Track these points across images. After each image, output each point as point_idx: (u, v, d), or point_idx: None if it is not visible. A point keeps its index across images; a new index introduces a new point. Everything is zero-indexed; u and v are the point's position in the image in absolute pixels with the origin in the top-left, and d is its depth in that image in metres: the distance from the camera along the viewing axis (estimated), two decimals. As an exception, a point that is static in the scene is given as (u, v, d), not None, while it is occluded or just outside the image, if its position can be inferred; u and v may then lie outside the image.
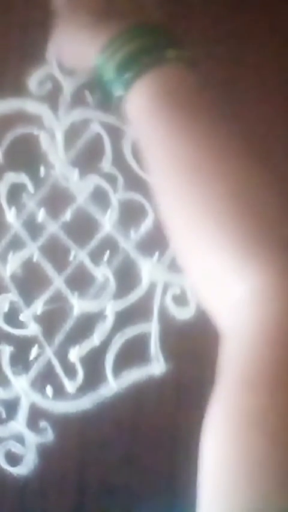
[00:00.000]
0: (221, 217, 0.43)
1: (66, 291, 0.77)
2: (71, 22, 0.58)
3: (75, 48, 0.58)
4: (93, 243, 0.77)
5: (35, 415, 0.76)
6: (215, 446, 0.44)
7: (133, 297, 0.76)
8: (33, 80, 0.78)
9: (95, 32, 0.54)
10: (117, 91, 0.53)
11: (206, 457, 0.45)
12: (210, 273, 0.45)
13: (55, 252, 0.77)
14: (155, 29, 0.53)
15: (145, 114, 0.50)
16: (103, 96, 0.59)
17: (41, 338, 0.76)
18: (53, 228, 0.77)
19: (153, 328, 0.76)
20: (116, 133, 0.77)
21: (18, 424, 0.76)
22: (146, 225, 0.77)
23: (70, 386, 0.76)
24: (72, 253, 0.77)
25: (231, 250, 0.42)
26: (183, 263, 0.52)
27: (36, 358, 0.76)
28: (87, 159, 0.78)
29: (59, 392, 0.76)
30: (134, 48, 0.51)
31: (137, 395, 0.76)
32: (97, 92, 0.57)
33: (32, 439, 0.76)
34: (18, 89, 0.77)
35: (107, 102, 0.57)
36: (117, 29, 0.53)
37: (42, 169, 0.77)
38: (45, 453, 0.76)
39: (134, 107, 0.51)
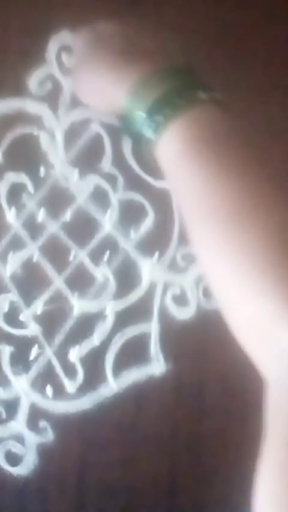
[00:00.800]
0: (265, 263, 0.41)
1: (66, 291, 0.77)
2: (94, 63, 0.56)
3: (100, 90, 0.56)
4: (93, 243, 0.77)
5: (35, 415, 0.76)
6: (269, 503, 0.43)
7: (133, 297, 0.76)
8: (33, 80, 0.78)
9: (121, 73, 0.53)
10: (148, 134, 0.51)
11: None
12: (254, 320, 0.43)
13: (55, 252, 0.77)
14: (183, 70, 0.52)
15: (179, 158, 0.48)
16: (132, 138, 0.56)
17: (41, 338, 0.76)
18: (53, 228, 0.77)
19: (153, 328, 0.76)
20: (116, 133, 0.77)
21: (18, 424, 0.76)
22: (146, 225, 0.77)
23: (70, 386, 0.76)
24: (72, 253, 0.77)
25: (278, 297, 0.40)
26: (224, 308, 0.48)
27: (36, 358, 0.76)
28: (87, 159, 0.78)
29: (59, 392, 0.76)
30: (165, 90, 0.49)
31: (137, 395, 0.76)
32: (125, 134, 0.55)
33: (32, 439, 0.76)
34: (18, 89, 0.77)
35: (136, 144, 0.55)
36: (144, 70, 0.51)
37: (42, 169, 0.77)
38: (45, 453, 0.76)
39: (166, 150, 0.49)
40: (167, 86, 0.50)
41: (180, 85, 0.50)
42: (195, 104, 0.49)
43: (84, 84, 0.59)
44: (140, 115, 0.51)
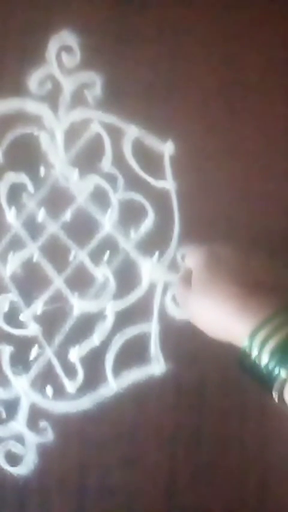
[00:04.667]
0: None
1: (66, 291, 0.77)
2: (214, 290, 0.56)
3: (220, 320, 0.55)
4: (93, 243, 0.77)
5: (35, 415, 0.76)
6: None
7: (133, 297, 0.76)
8: (33, 80, 0.78)
9: (243, 307, 0.53)
10: (277, 374, 0.51)
11: None
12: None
13: (55, 252, 0.77)
14: None
15: None
16: (253, 374, 0.53)
17: (41, 338, 0.76)
18: (53, 228, 0.77)
19: (153, 328, 0.76)
20: (116, 133, 0.77)
21: (18, 424, 0.76)
22: (146, 225, 0.77)
23: (70, 386, 0.76)
24: (72, 253, 0.77)
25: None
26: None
27: (36, 358, 0.76)
28: (87, 159, 0.78)
29: (59, 392, 0.76)
30: None
31: (137, 395, 0.76)
32: (244, 368, 0.54)
33: (32, 439, 0.76)
34: (18, 89, 0.78)
35: (261, 380, 0.52)
36: (266, 309, 0.52)
37: (42, 169, 0.77)
38: (45, 453, 0.76)
39: None
40: None
41: None
42: None
43: (203, 310, 0.58)
44: (265, 356, 0.51)
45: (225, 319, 0.55)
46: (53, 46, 0.76)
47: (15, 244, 0.76)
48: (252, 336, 0.52)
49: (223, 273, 0.57)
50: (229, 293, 0.55)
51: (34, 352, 0.76)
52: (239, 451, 0.77)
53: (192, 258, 0.63)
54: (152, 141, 0.75)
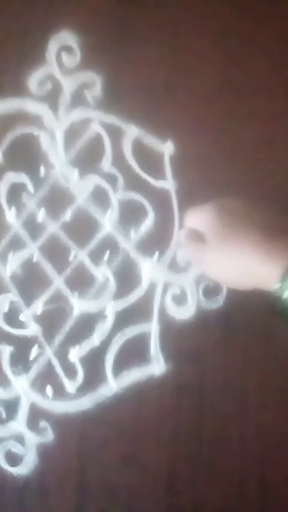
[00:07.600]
0: None
1: (66, 291, 0.77)
2: (237, 237, 0.55)
3: (243, 264, 0.55)
4: (93, 243, 0.77)
5: (35, 415, 0.76)
6: None
7: (133, 297, 0.76)
8: (33, 80, 0.78)
9: (269, 252, 0.53)
10: None
11: None
12: None
13: (55, 252, 0.77)
14: None
15: None
16: (286, 315, 0.54)
17: (41, 338, 0.76)
18: (53, 228, 0.77)
19: (153, 328, 0.76)
20: (116, 133, 0.77)
21: (18, 424, 0.76)
22: (146, 225, 0.77)
23: (70, 386, 0.76)
24: (72, 253, 0.77)
25: None
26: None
27: (36, 358, 0.76)
28: (87, 159, 0.78)
29: (59, 392, 0.76)
30: None
31: (137, 395, 0.76)
32: (277, 311, 0.54)
33: (32, 439, 0.76)
34: (18, 89, 0.78)
35: None
36: None
37: (42, 169, 0.77)
38: (45, 453, 0.76)
39: None
40: None
41: None
42: None
43: (225, 259, 0.57)
44: None
45: (251, 265, 0.54)
46: (53, 46, 0.76)
47: (15, 244, 0.76)
48: (284, 277, 0.52)
49: (240, 221, 0.56)
50: (252, 239, 0.55)
51: (34, 352, 0.76)
52: (239, 451, 0.77)
53: (198, 217, 0.63)
54: (152, 141, 0.75)
